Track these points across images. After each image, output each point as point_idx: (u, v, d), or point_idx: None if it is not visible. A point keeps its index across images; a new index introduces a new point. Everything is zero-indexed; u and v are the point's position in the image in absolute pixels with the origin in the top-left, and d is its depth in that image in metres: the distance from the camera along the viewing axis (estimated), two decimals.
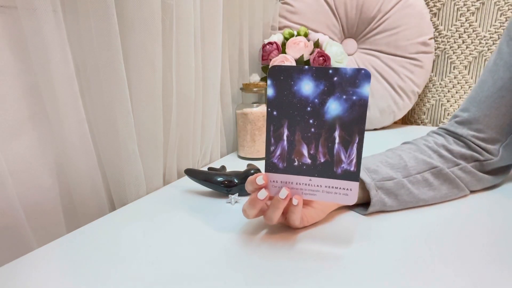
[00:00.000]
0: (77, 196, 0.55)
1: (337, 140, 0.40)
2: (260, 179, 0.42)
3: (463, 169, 0.56)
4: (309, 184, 0.42)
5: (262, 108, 0.79)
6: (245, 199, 0.58)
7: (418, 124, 1.21)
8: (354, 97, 0.38)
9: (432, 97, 1.17)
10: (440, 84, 1.16)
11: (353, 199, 0.41)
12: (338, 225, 0.48)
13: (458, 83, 1.13)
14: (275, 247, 0.43)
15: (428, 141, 0.58)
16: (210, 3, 0.69)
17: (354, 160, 0.40)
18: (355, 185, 0.41)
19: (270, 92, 0.40)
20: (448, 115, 1.17)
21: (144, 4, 0.54)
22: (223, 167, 0.65)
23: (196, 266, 0.39)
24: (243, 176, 0.58)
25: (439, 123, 1.18)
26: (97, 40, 0.51)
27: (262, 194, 0.42)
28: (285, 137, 0.41)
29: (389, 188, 0.51)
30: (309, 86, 0.39)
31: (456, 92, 1.14)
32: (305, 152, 0.41)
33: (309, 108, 0.39)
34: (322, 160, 0.41)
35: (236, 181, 0.58)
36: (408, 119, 1.23)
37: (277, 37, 0.96)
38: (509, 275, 0.37)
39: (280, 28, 1.06)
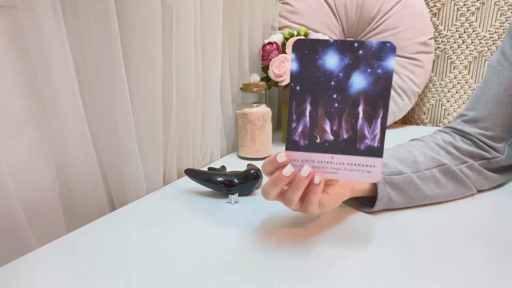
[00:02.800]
0: (77, 196, 0.55)
1: (361, 115, 0.39)
2: (281, 156, 0.40)
3: (470, 167, 0.56)
4: (331, 162, 0.40)
5: (262, 108, 0.79)
6: (245, 199, 0.58)
7: (418, 124, 1.21)
8: (379, 71, 0.38)
9: (432, 97, 1.17)
10: (440, 84, 1.16)
11: (377, 176, 0.40)
12: (344, 226, 0.48)
13: (458, 83, 1.13)
14: (276, 247, 0.43)
15: (436, 138, 0.59)
16: (210, 3, 0.69)
17: (378, 135, 0.39)
18: (378, 161, 0.39)
19: (294, 66, 0.39)
20: (448, 115, 1.17)
21: (144, 4, 0.54)
22: (223, 167, 0.65)
23: (196, 266, 0.39)
24: (243, 176, 0.58)
25: (439, 123, 1.18)
26: (97, 40, 0.51)
27: (288, 170, 0.39)
28: (307, 113, 0.40)
29: (396, 183, 0.51)
30: (334, 59, 0.38)
31: (456, 92, 1.14)
32: (327, 128, 0.40)
33: (333, 83, 0.39)
34: (345, 136, 0.40)
35: (236, 181, 0.58)
36: (408, 119, 1.23)
37: (277, 37, 0.96)
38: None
39: (280, 28, 1.05)
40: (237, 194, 0.58)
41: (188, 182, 0.66)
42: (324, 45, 0.38)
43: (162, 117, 0.62)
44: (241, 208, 0.55)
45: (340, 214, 0.52)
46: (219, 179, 0.58)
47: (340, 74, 0.38)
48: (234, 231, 0.47)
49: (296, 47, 0.38)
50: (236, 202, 0.57)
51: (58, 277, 0.38)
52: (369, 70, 0.38)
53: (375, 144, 0.39)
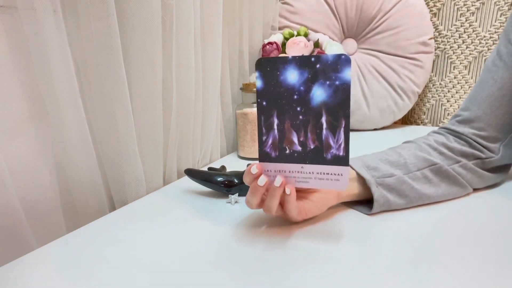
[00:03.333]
0: (77, 196, 0.55)
1: (324, 126, 0.41)
2: (254, 168, 0.43)
3: (464, 166, 0.56)
4: (301, 172, 0.43)
5: None
6: (245, 199, 0.58)
7: (418, 124, 1.21)
8: (337, 82, 0.39)
9: (432, 97, 1.17)
10: (440, 84, 1.16)
11: (344, 184, 0.42)
12: (338, 224, 0.48)
13: (458, 83, 1.13)
14: (276, 247, 0.43)
15: (428, 139, 0.59)
16: (210, 3, 0.69)
17: (343, 145, 0.41)
18: (345, 170, 0.41)
19: (259, 83, 0.42)
20: (448, 115, 1.17)
21: (144, 4, 0.54)
22: (223, 167, 0.65)
23: (196, 266, 0.39)
24: (243, 176, 0.58)
25: (439, 123, 1.18)
26: (97, 40, 0.51)
27: (262, 180, 0.43)
28: (275, 126, 0.42)
29: (390, 184, 0.51)
30: (294, 74, 0.40)
31: (456, 92, 1.14)
32: (295, 139, 0.42)
33: (295, 96, 0.41)
34: (312, 147, 0.42)
35: (236, 181, 0.58)
36: (408, 119, 1.23)
37: (277, 37, 0.96)
38: (510, 275, 0.37)
39: (280, 28, 1.06)
40: (237, 194, 0.58)
41: (188, 182, 0.66)
42: (283, 62, 0.41)
43: (162, 117, 0.62)
44: (241, 208, 0.55)
45: (343, 213, 0.52)
46: (219, 179, 0.58)
47: (301, 88, 0.41)
48: (234, 231, 0.47)
49: (259, 65, 0.42)
50: (236, 202, 0.57)
51: (58, 277, 0.38)
52: (327, 82, 0.40)
53: (341, 153, 0.41)
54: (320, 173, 0.42)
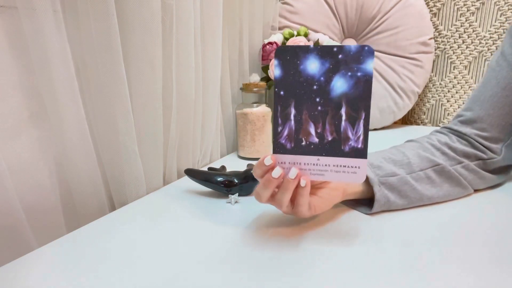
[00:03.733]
0: (77, 196, 0.55)
1: (343, 118, 0.40)
2: (268, 159, 0.41)
3: (466, 167, 0.56)
4: (317, 164, 0.42)
5: (262, 108, 0.79)
6: (245, 199, 0.58)
7: (418, 124, 1.21)
8: (359, 74, 0.39)
9: (432, 97, 1.17)
10: (440, 84, 1.16)
11: (361, 177, 0.41)
12: (342, 225, 0.48)
13: (458, 83, 1.13)
14: (276, 247, 0.43)
15: (432, 139, 0.58)
16: (210, 3, 0.69)
17: (362, 137, 0.40)
18: (363, 163, 0.41)
19: (277, 72, 0.40)
20: (448, 115, 1.17)
21: (144, 4, 0.54)
22: (223, 167, 0.65)
23: (196, 266, 0.39)
24: (243, 176, 0.58)
25: (439, 123, 1.18)
26: (97, 40, 0.51)
27: (277, 172, 0.41)
28: (292, 117, 0.41)
29: (392, 184, 0.51)
30: (314, 64, 0.39)
31: (456, 92, 1.14)
32: (312, 131, 0.41)
33: (315, 87, 0.40)
34: (329, 139, 0.41)
35: (236, 181, 0.58)
36: (408, 119, 1.23)
37: (277, 37, 0.96)
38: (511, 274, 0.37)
39: (280, 28, 1.06)
40: (237, 194, 0.58)
41: (188, 182, 0.66)
42: (304, 51, 0.39)
43: (162, 117, 0.62)
44: (241, 208, 0.55)
45: (345, 214, 0.52)
46: (219, 179, 0.58)
47: (322, 78, 0.40)
48: (234, 231, 0.47)
49: (279, 54, 0.40)
50: (236, 202, 0.57)
51: (58, 277, 0.38)
52: (349, 74, 0.39)
53: (359, 146, 0.40)
54: (337, 166, 0.41)
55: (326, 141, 0.41)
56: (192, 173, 0.60)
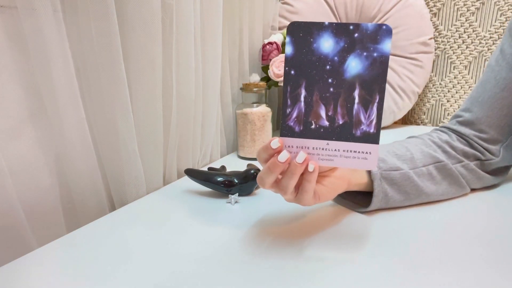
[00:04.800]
0: (77, 196, 0.55)
1: (356, 100, 0.38)
2: (275, 142, 0.39)
3: (465, 167, 0.56)
4: (326, 149, 0.39)
5: (262, 108, 0.79)
6: (245, 199, 0.58)
7: (418, 124, 1.21)
8: (375, 54, 0.37)
9: (432, 97, 1.17)
10: (440, 84, 1.16)
11: (373, 163, 0.39)
12: (340, 227, 0.48)
13: (458, 83, 1.13)
14: (276, 247, 0.43)
15: (433, 136, 0.59)
16: (210, 3, 0.69)
17: (374, 121, 0.38)
18: (375, 148, 0.38)
19: (289, 50, 0.38)
20: (448, 115, 1.17)
21: (144, 4, 0.54)
22: (223, 167, 0.65)
23: (195, 266, 0.39)
24: (243, 176, 0.58)
25: (439, 123, 1.18)
26: (97, 40, 0.51)
27: (284, 156, 0.38)
28: (302, 98, 0.39)
29: (393, 179, 0.51)
30: (328, 43, 0.37)
31: (456, 92, 1.14)
32: (323, 113, 0.39)
33: (328, 67, 0.38)
34: (340, 122, 0.39)
35: (236, 181, 0.58)
36: (408, 119, 1.23)
37: (277, 37, 0.96)
38: (509, 275, 0.37)
39: (280, 28, 1.06)
40: (237, 194, 0.58)
41: (188, 182, 0.66)
42: (319, 28, 0.37)
43: (162, 117, 0.62)
44: (241, 208, 0.55)
45: (344, 215, 0.52)
46: (219, 179, 0.58)
47: (335, 58, 0.37)
48: (234, 231, 0.47)
49: (291, 30, 0.37)
50: (236, 202, 0.57)
51: (58, 277, 0.38)
52: (364, 54, 0.37)
53: (371, 130, 0.38)
54: (347, 151, 0.39)
55: (337, 125, 0.39)
56: (192, 173, 0.60)
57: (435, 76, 1.16)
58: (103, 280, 0.37)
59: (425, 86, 1.16)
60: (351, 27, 0.36)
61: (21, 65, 0.48)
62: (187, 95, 0.67)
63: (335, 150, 0.39)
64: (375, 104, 0.38)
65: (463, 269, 0.38)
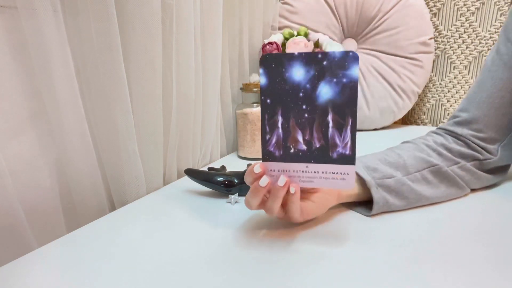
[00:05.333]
0: (77, 196, 0.55)
1: (330, 124, 0.40)
2: (257, 167, 0.42)
3: (463, 168, 0.56)
4: (306, 171, 0.42)
5: None
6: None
7: (418, 124, 1.21)
8: (344, 80, 0.39)
9: (432, 97, 1.17)
10: (440, 84, 1.16)
11: (350, 183, 0.41)
12: (338, 225, 0.48)
13: (458, 83, 1.13)
14: (276, 247, 0.43)
15: (427, 140, 0.58)
16: (210, 3, 0.69)
17: (349, 143, 0.40)
18: (351, 169, 0.41)
19: (263, 80, 0.40)
20: (448, 115, 1.17)
21: (144, 4, 0.54)
22: (223, 167, 0.65)
23: (195, 266, 0.39)
24: (243, 176, 0.58)
25: (439, 123, 1.18)
26: (97, 40, 0.51)
27: (264, 181, 0.41)
28: (279, 125, 0.41)
29: (390, 186, 0.51)
30: (300, 72, 0.40)
31: (456, 92, 1.14)
32: (300, 138, 0.41)
33: (301, 94, 0.40)
34: (317, 145, 0.41)
35: (236, 181, 0.58)
36: (408, 119, 1.23)
37: (277, 37, 0.96)
38: (509, 275, 0.37)
39: (280, 28, 1.06)
40: (237, 194, 0.58)
41: (188, 182, 0.66)
42: (289, 58, 0.39)
43: (162, 117, 0.62)
44: (241, 208, 0.55)
45: (342, 215, 0.52)
46: (219, 179, 0.58)
47: (307, 86, 0.40)
48: (234, 231, 0.47)
49: (263, 62, 0.40)
50: (236, 202, 0.57)
51: (58, 277, 0.38)
52: (334, 80, 0.39)
53: (347, 152, 0.41)
54: (326, 172, 0.42)
55: (314, 148, 0.41)
56: (192, 173, 0.60)
57: (435, 76, 1.16)
58: (103, 280, 0.37)
59: (425, 86, 1.16)
60: (319, 55, 0.39)
61: (21, 65, 0.48)
62: (187, 95, 0.67)
63: (315, 172, 0.42)
64: (349, 127, 0.40)
65: (463, 269, 0.38)
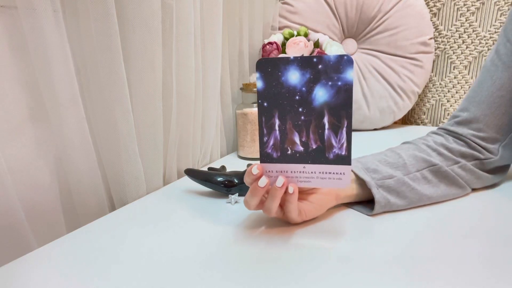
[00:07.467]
0: (77, 196, 0.55)
1: (326, 126, 0.41)
2: (255, 169, 0.43)
3: (463, 167, 0.56)
4: (303, 172, 0.43)
5: None
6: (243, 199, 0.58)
7: (418, 124, 1.21)
8: (339, 83, 0.40)
9: (432, 97, 1.17)
10: (440, 84, 1.16)
11: (346, 182, 0.43)
12: (338, 224, 0.48)
13: (458, 83, 1.13)
14: (276, 247, 0.43)
15: (427, 140, 0.58)
16: (210, 3, 0.69)
17: (345, 144, 0.41)
18: (347, 169, 0.42)
19: (260, 84, 0.41)
20: (448, 115, 1.17)
21: (144, 4, 0.54)
22: (223, 167, 0.65)
23: (195, 266, 0.39)
24: (243, 176, 0.58)
25: (439, 123, 1.18)
26: (97, 40, 0.51)
27: (263, 181, 0.42)
28: (277, 127, 0.42)
29: (390, 186, 0.51)
30: (295, 75, 0.40)
31: (456, 92, 1.14)
32: (297, 140, 0.42)
33: (297, 97, 0.41)
34: (314, 147, 0.42)
35: (236, 181, 0.58)
36: (408, 119, 1.23)
37: (277, 37, 0.97)
38: (510, 275, 0.37)
39: (280, 28, 1.06)
40: (237, 194, 0.58)
41: (188, 182, 0.66)
42: (285, 62, 0.40)
43: (162, 117, 0.62)
44: (241, 208, 0.55)
45: (343, 213, 0.52)
46: (219, 179, 0.58)
47: (303, 89, 0.41)
48: (234, 231, 0.47)
49: (259, 66, 0.41)
50: (236, 202, 0.57)
51: (58, 277, 0.38)
52: (329, 83, 0.40)
53: (343, 153, 0.42)
54: (322, 173, 0.43)
55: (311, 149, 0.42)
56: (192, 173, 0.60)
57: (435, 76, 1.16)
58: (103, 280, 0.37)
59: (425, 86, 1.16)
60: (314, 59, 0.40)
61: (21, 65, 0.48)
62: (187, 95, 0.67)
63: (312, 172, 0.43)
64: (344, 129, 0.41)
65: (463, 268, 0.38)
